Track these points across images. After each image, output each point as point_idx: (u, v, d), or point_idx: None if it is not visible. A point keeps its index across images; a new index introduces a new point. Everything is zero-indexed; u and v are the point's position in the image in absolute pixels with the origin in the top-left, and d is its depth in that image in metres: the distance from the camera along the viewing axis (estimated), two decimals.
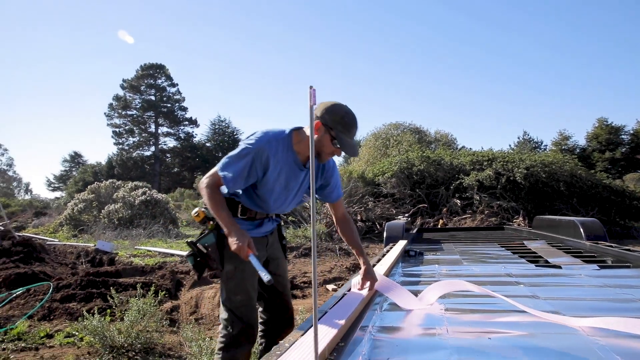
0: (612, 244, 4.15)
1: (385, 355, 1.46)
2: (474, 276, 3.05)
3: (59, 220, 15.98)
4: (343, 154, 2.17)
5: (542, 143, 38.56)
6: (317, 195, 2.36)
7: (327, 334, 1.30)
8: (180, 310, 4.42)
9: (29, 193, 62.43)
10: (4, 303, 4.35)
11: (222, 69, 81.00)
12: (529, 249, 4.49)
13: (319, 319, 1.59)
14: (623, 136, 38.65)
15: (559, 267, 3.30)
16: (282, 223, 2.63)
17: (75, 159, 60.36)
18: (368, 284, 2.21)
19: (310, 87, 1.06)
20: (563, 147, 36.00)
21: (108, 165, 51.38)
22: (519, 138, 39.31)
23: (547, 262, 3.63)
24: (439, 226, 10.88)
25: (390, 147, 21.39)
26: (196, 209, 2.28)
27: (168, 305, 4.45)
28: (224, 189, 2.17)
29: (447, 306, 2.09)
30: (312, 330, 1.36)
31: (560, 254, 4.08)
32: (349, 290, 2.21)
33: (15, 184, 63.39)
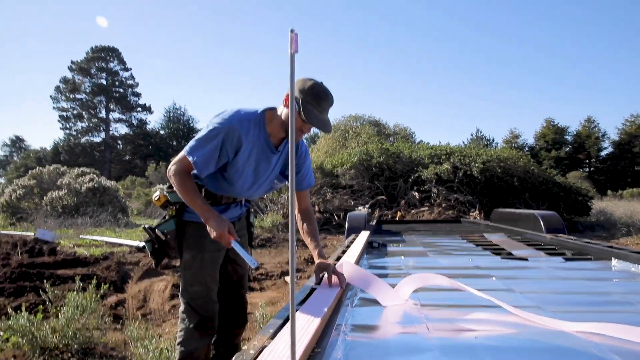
0: (571, 237, 4.17)
1: (365, 359, 1.26)
2: (442, 268, 2.93)
3: None
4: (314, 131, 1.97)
5: (493, 140, 39.92)
6: (286, 182, 2.20)
7: (300, 338, 1.08)
8: (126, 305, 4.06)
9: None
10: None
11: (178, 56, 78.52)
12: (490, 242, 4.46)
13: (284, 319, 1.37)
14: (567, 136, 40.70)
15: (526, 260, 3.23)
16: (252, 209, 2.43)
17: (17, 143, 57.09)
18: (335, 278, 1.98)
19: (292, 30, 0.84)
20: (513, 145, 37.44)
21: (54, 151, 48.77)
22: (472, 135, 40.54)
23: (510, 254, 3.57)
24: (397, 218, 10.90)
25: (349, 139, 21.36)
26: (157, 193, 2.14)
27: (113, 299, 4.08)
28: (196, 173, 1.96)
29: (421, 301, 1.92)
30: (283, 334, 1.14)
31: (522, 246, 4.05)
32: (317, 283, 2.00)
33: None
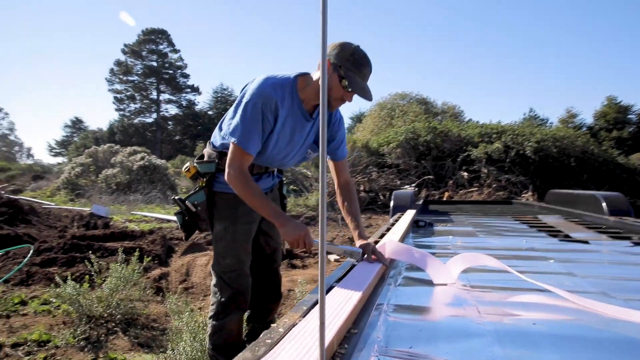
0: (639, 220, 3.82)
1: (406, 342, 1.14)
2: (493, 249, 2.75)
3: (56, 185, 15.72)
4: (355, 98, 1.82)
5: (548, 120, 37.88)
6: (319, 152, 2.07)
7: (334, 318, 0.98)
8: (169, 279, 4.13)
9: (30, 158, 62.31)
10: None
11: (226, 37, 79.37)
12: (545, 223, 4.18)
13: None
14: (631, 115, 37.97)
15: (586, 242, 2.98)
16: (285, 180, 2.35)
17: (77, 124, 59.91)
18: (374, 258, 1.87)
19: None
20: (569, 125, 35.37)
21: (109, 131, 50.87)
22: (525, 114, 38.63)
23: (568, 236, 3.31)
24: (444, 199, 10.58)
25: (395, 118, 20.86)
26: (187, 164, 2.08)
27: (156, 272, 4.16)
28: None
29: (471, 282, 1.77)
30: (315, 312, 1.04)
31: (581, 229, 3.76)
32: (358, 261, 1.88)
33: (16, 148, 63.21)
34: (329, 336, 0.86)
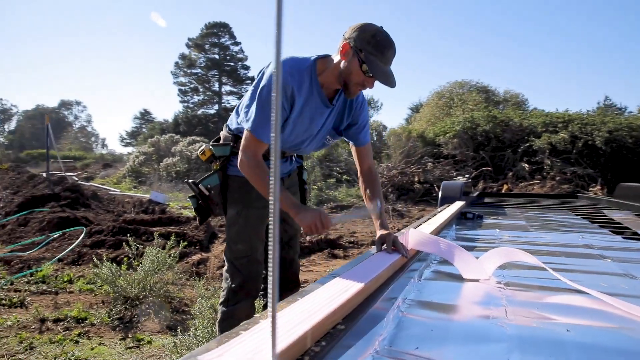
0: None
1: (413, 342, 1.02)
2: (543, 245, 2.52)
3: (122, 173, 16.63)
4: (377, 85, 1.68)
5: (626, 109, 34.99)
6: (340, 138, 2.01)
7: (316, 311, 0.87)
8: (208, 264, 4.20)
9: (105, 148, 66.59)
10: (41, 245, 4.34)
11: (285, 26, 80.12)
12: (611, 219, 3.80)
13: (324, 284, 1.17)
14: None
15: None
16: (304, 166, 2.26)
17: (145, 116, 63.04)
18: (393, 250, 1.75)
19: None
20: None
21: (174, 122, 53.09)
22: (599, 103, 35.89)
23: (636, 234, 2.98)
24: (503, 191, 10.05)
25: (454, 107, 20.09)
26: (202, 147, 2.04)
27: (196, 257, 4.24)
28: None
29: (506, 279, 1.60)
30: (305, 303, 0.95)
31: None
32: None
33: (93, 139, 67.77)
34: (301, 330, 0.76)
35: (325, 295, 1.01)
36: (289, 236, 2.20)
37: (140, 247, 3.44)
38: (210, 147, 2.00)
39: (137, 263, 3.15)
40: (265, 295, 2.16)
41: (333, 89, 1.80)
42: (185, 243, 3.91)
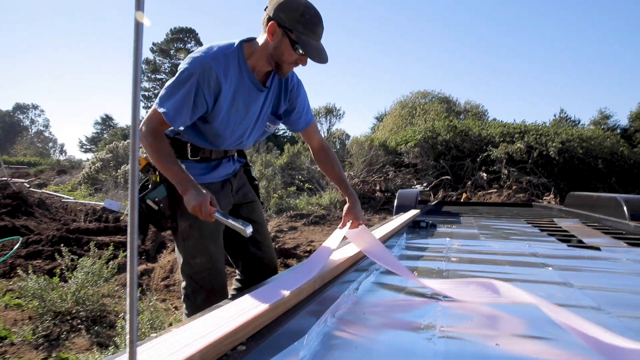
0: None
1: None
2: (490, 253, 2.52)
3: (78, 179, 16.00)
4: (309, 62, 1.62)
5: (579, 122, 36.54)
6: (280, 123, 1.93)
7: (211, 332, 0.78)
8: (152, 275, 4.01)
9: (63, 154, 64.11)
10: None
11: (251, 32, 79.84)
12: (560, 227, 3.89)
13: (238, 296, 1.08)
14: None
15: (597, 249, 2.70)
16: (250, 164, 2.15)
17: (107, 121, 61.30)
18: (349, 223, 1.80)
19: None
20: (602, 127, 34.05)
21: None
22: (555, 116, 37.35)
23: (581, 242, 3.03)
24: (462, 200, 10.23)
25: (416, 117, 20.43)
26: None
27: (140, 268, 4.04)
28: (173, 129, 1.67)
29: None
30: (199, 322, 0.86)
31: (598, 234, 3.47)
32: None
33: (50, 144, 65.19)
34: (186, 354, 0.67)
35: (231, 312, 0.92)
36: (261, 235, 2.05)
37: (77, 258, 3.22)
38: (146, 155, 1.76)
39: (70, 275, 2.95)
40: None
41: (264, 71, 1.70)
42: (124, 254, 3.71)
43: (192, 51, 1.67)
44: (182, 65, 1.59)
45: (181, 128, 1.70)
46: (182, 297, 1.87)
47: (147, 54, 56.99)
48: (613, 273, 2.06)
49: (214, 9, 77.64)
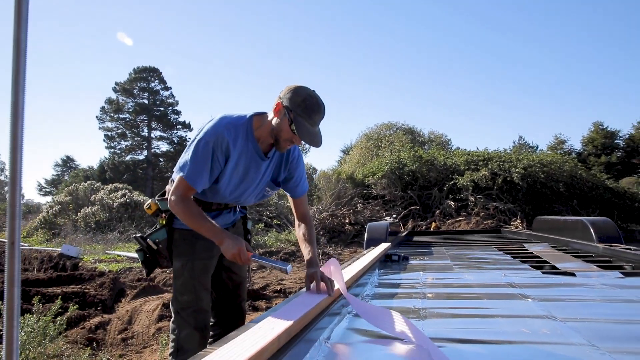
0: (630, 247, 3.51)
1: None
2: (467, 286, 2.43)
3: (33, 224, 15.21)
4: (305, 144, 1.86)
5: (537, 148, 38.08)
6: (278, 189, 2.16)
7: None
8: (108, 327, 3.68)
9: (20, 197, 61.48)
10: None
11: (217, 72, 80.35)
12: (531, 253, 3.86)
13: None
14: (618, 140, 38.36)
15: (573, 275, 2.65)
16: (248, 216, 2.34)
17: (67, 163, 59.56)
18: (323, 285, 1.82)
19: None
20: (559, 151, 35.58)
21: (100, 169, 50.42)
22: (514, 142, 38.81)
23: (554, 268, 2.99)
24: (432, 229, 10.24)
25: (382, 148, 20.68)
26: (149, 201, 2.11)
27: (95, 320, 3.70)
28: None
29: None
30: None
31: (569, 258, 3.45)
32: None
33: (6, 188, 62.46)
34: None
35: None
36: (235, 283, 2.24)
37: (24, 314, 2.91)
38: (156, 201, 2.07)
39: None
40: (214, 342, 1.98)
41: (268, 143, 1.91)
42: (75, 307, 3.40)
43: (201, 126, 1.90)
44: (199, 135, 1.83)
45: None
46: (170, 329, 2.05)
47: (109, 93, 56.37)
48: (592, 301, 2.00)
49: (179, 47, 78.00)
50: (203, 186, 1.84)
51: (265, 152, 1.94)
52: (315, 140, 1.80)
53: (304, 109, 1.76)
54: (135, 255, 7.53)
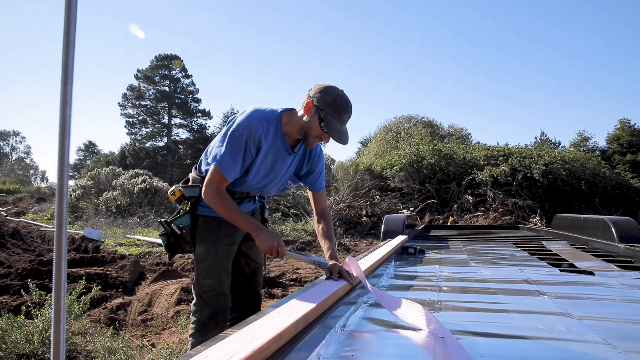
0: None
1: None
2: (483, 281, 2.43)
3: None
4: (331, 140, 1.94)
5: (560, 144, 37.32)
6: (299, 182, 2.27)
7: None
8: (129, 309, 3.78)
9: (45, 181, 62.92)
10: None
11: (236, 61, 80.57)
12: (549, 251, 3.82)
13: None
14: None
15: (591, 274, 2.62)
16: (266, 205, 2.44)
17: (90, 148, 60.63)
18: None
19: None
20: (582, 148, 34.80)
21: (121, 155, 51.22)
22: (536, 138, 38.08)
23: (573, 266, 2.96)
24: (449, 223, 10.18)
25: (401, 141, 20.55)
26: (172, 188, 2.19)
27: (116, 302, 3.81)
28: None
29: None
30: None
31: (588, 257, 3.41)
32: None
33: (32, 171, 64.01)
34: None
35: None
36: (252, 269, 2.33)
37: (45, 293, 3.00)
38: (180, 187, 2.14)
39: (36, 312, 2.73)
40: (232, 325, 2.06)
41: (295, 138, 2.02)
42: (98, 287, 3.50)
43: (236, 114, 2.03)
44: (232, 127, 1.92)
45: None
46: (191, 312, 2.18)
47: (131, 80, 57.08)
48: (610, 300, 1.98)
49: (200, 36, 78.42)
50: (235, 176, 1.93)
51: (292, 146, 2.04)
52: (344, 139, 1.92)
53: (334, 108, 1.86)
54: (155, 239, 7.70)
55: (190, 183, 2.15)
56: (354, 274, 1.89)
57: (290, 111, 2.01)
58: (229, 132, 1.92)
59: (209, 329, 2.07)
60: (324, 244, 2.11)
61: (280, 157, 2.02)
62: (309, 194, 2.28)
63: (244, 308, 2.30)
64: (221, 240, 2.10)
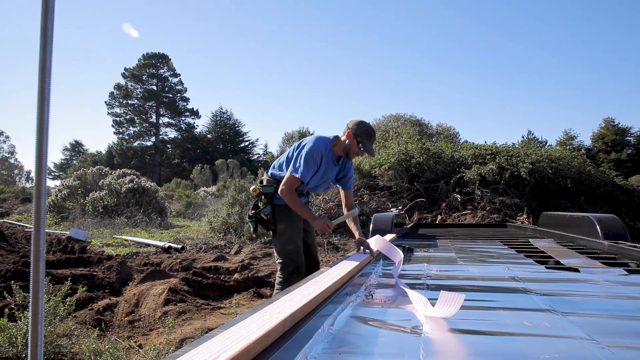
0: (636, 245, 3.50)
1: None
2: (470, 279, 2.45)
3: None
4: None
5: (546, 143, 37.78)
6: (337, 184, 3.26)
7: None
8: (116, 310, 3.74)
9: (30, 181, 61.94)
10: None
11: (225, 61, 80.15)
12: (536, 248, 3.87)
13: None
14: (629, 138, 37.95)
15: (577, 271, 2.66)
16: (309, 199, 3.41)
17: (76, 147, 59.94)
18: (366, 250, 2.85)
19: None
20: (568, 147, 35.27)
21: (108, 154, 50.72)
22: (523, 137, 38.55)
23: (559, 263, 3.00)
24: (437, 222, 10.24)
25: (389, 140, 20.62)
26: (253, 186, 3.10)
27: (102, 303, 3.76)
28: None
29: (428, 322, 1.46)
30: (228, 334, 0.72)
31: (573, 254, 3.45)
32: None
33: (16, 171, 63.00)
34: None
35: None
36: (309, 240, 3.28)
37: (20, 295, 2.94)
38: (259, 186, 3.09)
39: (20, 315, 2.68)
40: (306, 275, 2.99)
41: (338, 155, 3.06)
42: (84, 288, 3.45)
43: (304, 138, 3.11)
44: (307, 146, 2.90)
45: (281, 172, 3.06)
46: (279, 267, 3.04)
47: (118, 79, 56.53)
48: (595, 296, 2.00)
49: (188, 34, 77.90)
50: (307, 180, 2.88)
51: (337, 160, 3.06)
52: (373, 153, 3.02)
53: (366, 135, 2.92)
54: (143, 240, 7.66)
55: (265, 183, 3.08)
56: (379, 250, 2.82)
57: (336, 137, 3.02)
58: (304, 152, 2.87)
59: (292, 277, 2.90)
60: (353, 228, 3.10)
61: (329, 167, 3.01)
62: (341, 192, 3.27)
63: (308, 268, 3.14)
64: (293, 219, 3.01)
